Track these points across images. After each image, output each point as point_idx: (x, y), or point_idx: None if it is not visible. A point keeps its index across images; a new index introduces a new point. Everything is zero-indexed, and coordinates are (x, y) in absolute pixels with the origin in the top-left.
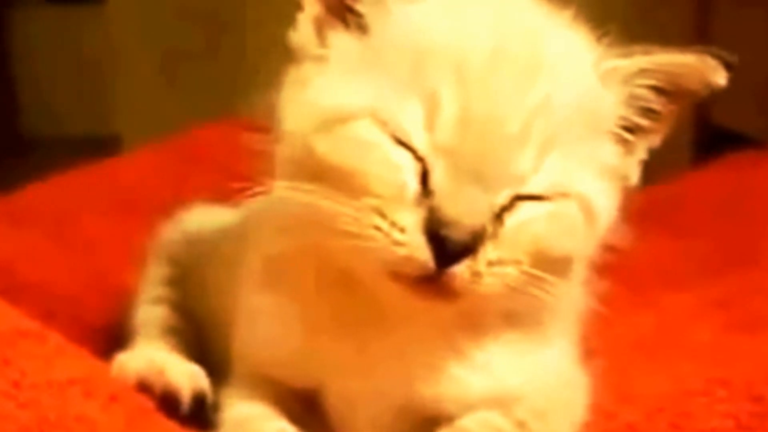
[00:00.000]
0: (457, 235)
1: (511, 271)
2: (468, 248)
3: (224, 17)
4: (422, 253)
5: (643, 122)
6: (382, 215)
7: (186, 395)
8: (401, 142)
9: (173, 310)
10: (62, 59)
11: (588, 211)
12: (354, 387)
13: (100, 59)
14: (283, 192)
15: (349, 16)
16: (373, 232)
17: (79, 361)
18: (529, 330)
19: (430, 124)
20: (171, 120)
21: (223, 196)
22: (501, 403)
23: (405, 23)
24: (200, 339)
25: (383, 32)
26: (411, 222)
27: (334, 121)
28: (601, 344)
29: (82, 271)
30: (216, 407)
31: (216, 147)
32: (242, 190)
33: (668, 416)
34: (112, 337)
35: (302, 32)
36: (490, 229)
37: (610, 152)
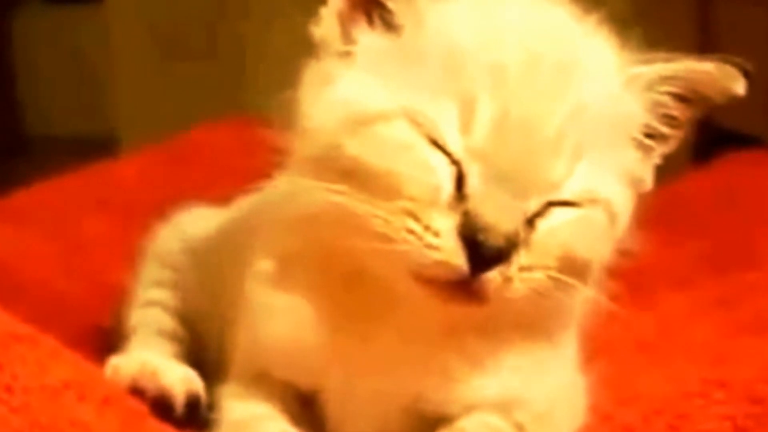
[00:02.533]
0: (493, 240)
1: (539, 276)
2: (502, 253)
3: (224, 17)
4: (457, 257)
5: (663, 128)
6: (416, 218)
7: (180, 398)
8: (436, 145)
9: (167, 313)
10: (62, 59)
11: (612, 217)
12: (359, 386)
13: (99, 59)
14: (309, 191)
15: (375, 13)
16: (406, 235)
17: (72, 364)
18: (538, 333)
19: (466, 127)
20: (170, 120)
21: (220, 196)
22: (504, 406)
23: (438, 24)
24: (195, 341)
25: (416, 32)
26: (446, 226)
27: (365, 121)
28: (599, 345)
29: (79, 272)
30: (211, 408)
31: (214, 147)
32: (248, 187)
33: (666, 418)
34: (109, 339)
35: (326, 27)
36: (522, 234)
37: (631, 158)
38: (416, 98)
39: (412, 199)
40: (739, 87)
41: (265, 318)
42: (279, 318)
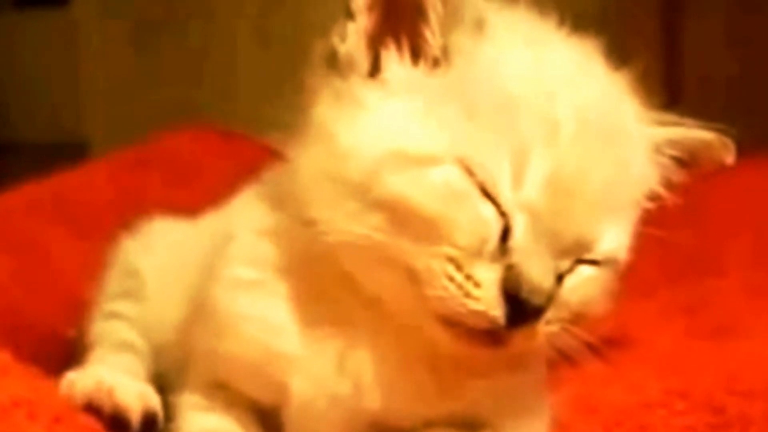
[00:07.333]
0: (536, 299)
1: (555, 328)
2: (540, 311)
3: (195, 17)
4: (495, 309)
5: (660, 190)
6: (458, 266)
7: (135, 415)
8: (487, 195)
9: (129, 325)
10: (31, 65)
11: (618, 274)
12: (323, 399)
13: (69, 64)
14: (334, 217)
15: (404, 38)
16: (446, 281)
17: (23, 381)
18: (516, 362)
19: (517, 181)
20: (141, 127)
21: (186, 205)
22: (468, 424)
23: (489, 67)
24: (156, 353)
25: (464, 71)
26: (488, 278)
27: (413, 161)
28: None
29: (39, 284)
30: (169, 421)
31: (179, 155)
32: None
33: (627, 429)
34: (72, 351)
35: (352, 45)
36: (555, 291)
37: (634, 217)
38: (468, 145)
39: (457, 247)
40: (731, 159)
41: (231, 325)
42: (246, 325)
